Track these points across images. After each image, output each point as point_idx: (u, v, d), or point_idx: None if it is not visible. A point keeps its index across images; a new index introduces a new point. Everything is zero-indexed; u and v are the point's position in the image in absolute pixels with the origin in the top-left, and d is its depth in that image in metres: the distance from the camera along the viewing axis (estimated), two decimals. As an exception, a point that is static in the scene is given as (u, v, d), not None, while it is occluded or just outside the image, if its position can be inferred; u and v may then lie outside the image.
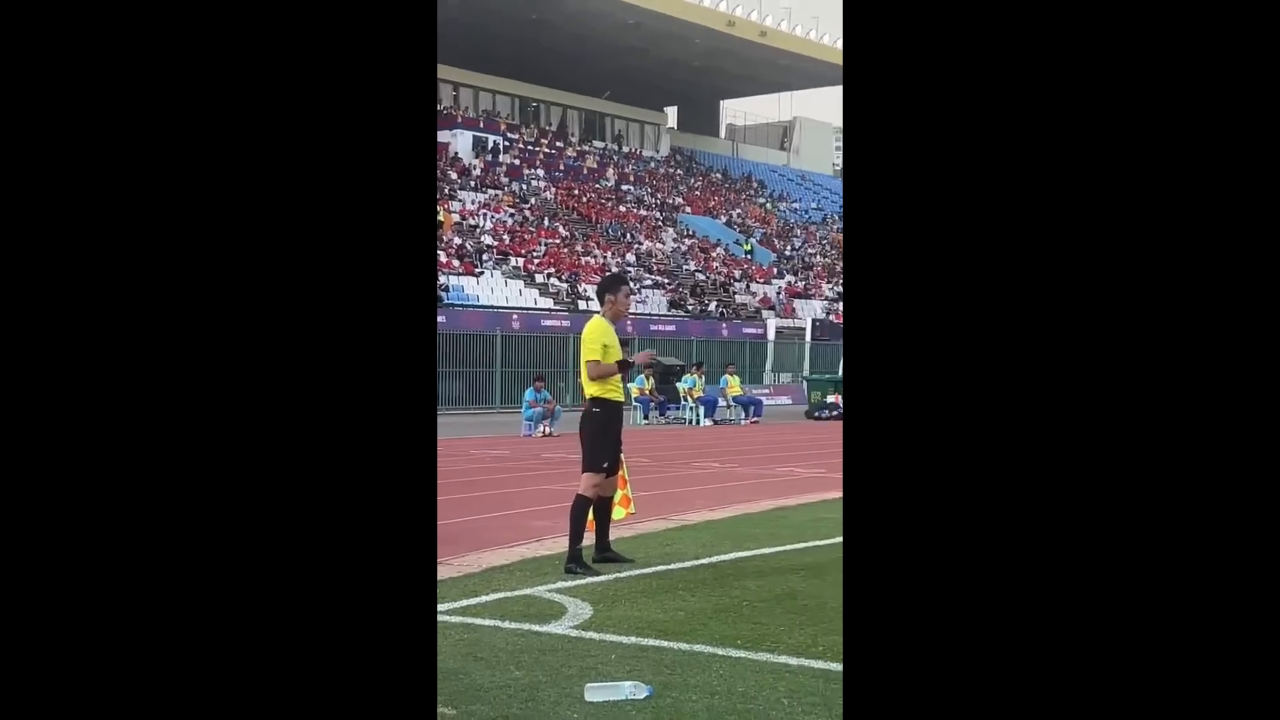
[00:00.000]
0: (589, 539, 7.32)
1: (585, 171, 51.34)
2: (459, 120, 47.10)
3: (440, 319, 27.17)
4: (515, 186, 45.06)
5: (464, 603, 6.02)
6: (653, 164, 56.96)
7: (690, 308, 39.70)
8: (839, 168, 79.90)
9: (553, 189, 46.82)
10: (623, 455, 7.50)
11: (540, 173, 48.24)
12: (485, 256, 36.58)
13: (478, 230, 38.55)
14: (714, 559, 7.52)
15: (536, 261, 38.21)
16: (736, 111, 67.58)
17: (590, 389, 7.28)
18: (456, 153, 44.76)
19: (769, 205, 58.13)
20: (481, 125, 48.63)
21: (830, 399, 28.69)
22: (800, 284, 46.64)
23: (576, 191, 47.77)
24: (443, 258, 33.16)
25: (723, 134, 66.32)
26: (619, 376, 7.35)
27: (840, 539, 8.39)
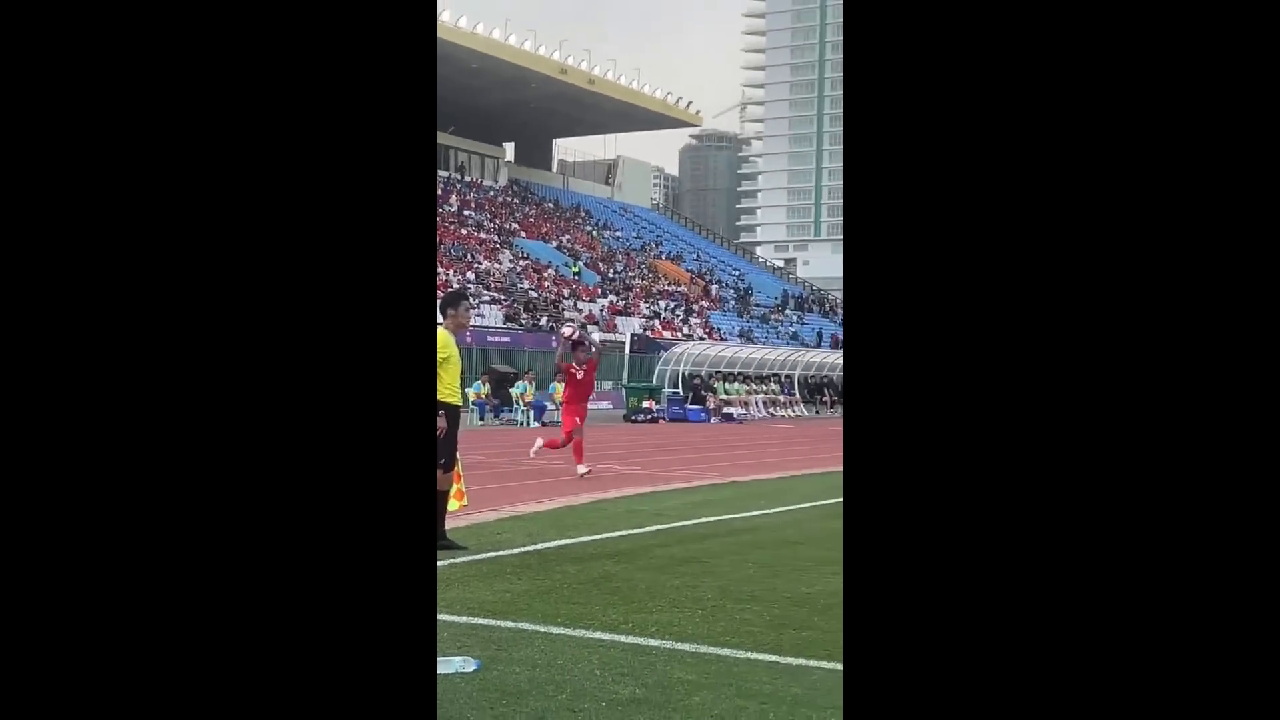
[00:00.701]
0: (427, 528, 7.21)
1: (431, 197, 50.67)
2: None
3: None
4: (367, 209, 44.16)
5: (311, 587, 5.85)
6: (492, 193, 56.52)
7: (524, 321, 39.55)
8: (656, 202, 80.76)
9: (401, 212, 46.05)
10: (459, 453, 7.43)
11: (390, 197, 47.38)
12: (338, 271, 35.75)
13: (331, 247, 37.64)
14: (539, 546, 7.49)
15: (385, 277, 37.52)
16: (567, 149, 67.82)
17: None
18: (313, 176, 43.61)
19: (595, 233, 58.32)
20: (337, 152, 47.51)
21: (645, 404, 29.03)
22: (621, 303, 46.92)
23: (423, 215, 47.12)
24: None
25: (555, 168, 66.28)
26: (459, 384, 7.27)
27: (650, 528, 8.52)
